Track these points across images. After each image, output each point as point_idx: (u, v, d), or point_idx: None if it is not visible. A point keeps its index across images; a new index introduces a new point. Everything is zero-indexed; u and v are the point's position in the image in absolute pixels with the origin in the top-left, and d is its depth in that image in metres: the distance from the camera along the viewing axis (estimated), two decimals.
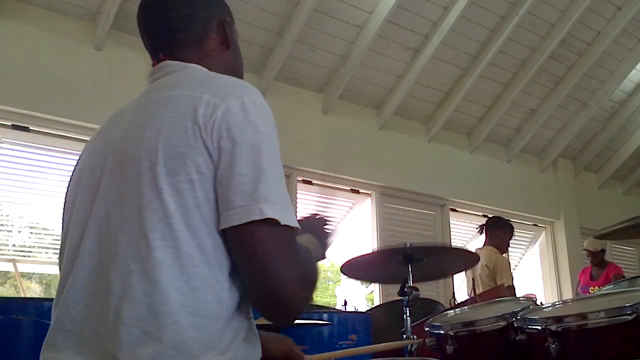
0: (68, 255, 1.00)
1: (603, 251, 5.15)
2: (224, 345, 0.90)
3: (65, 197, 1.12)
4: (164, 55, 1.13)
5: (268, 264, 0.89)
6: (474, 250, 4.56)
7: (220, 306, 0.91)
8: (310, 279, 0.97)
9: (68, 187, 1.12)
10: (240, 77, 1.15)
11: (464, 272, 4.41)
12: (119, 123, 1.05)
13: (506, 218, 4.51)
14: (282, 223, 0.90)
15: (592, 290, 4.87)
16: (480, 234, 4.33)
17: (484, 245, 4.27)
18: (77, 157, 1.15)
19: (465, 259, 2.63)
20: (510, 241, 4.34)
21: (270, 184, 0.90)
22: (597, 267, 5.18)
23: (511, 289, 3.91)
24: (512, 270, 4.14)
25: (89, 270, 0.95)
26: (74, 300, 0.95)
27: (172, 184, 0.90)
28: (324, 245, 1.18)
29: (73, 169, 1.14)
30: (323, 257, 1.18)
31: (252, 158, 0.91)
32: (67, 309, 0.95)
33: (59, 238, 1.07)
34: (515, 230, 6.23)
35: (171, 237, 0.89)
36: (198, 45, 1.12)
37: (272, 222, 0.89)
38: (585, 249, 5.24)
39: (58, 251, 1.08)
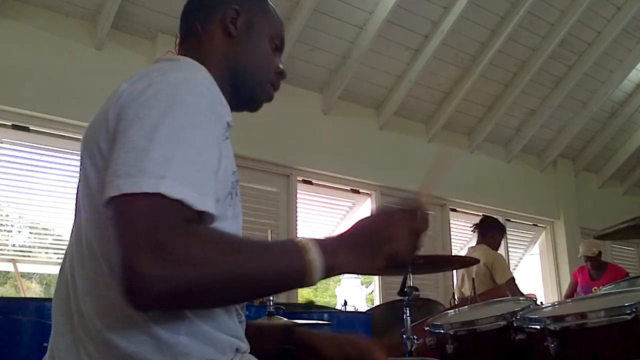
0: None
1: (600, 253, 5.12)
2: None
3: None
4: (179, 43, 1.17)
5: (118, 235, 0.74)
6: (467, 249, 4.63)
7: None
8: (186, 255, 0.73)
9: None
10: (248, 72, 1.12)
11: (455, 270, 4.47)
12: None
13: (506, 218, 4.55)
14: (145, 191, 0.75)
15: (595, 290, 4.84)
16: (474, 232, 4.37)
17: (477, 244, 4.31)
18: (78, 157, 1.16)
19: (465, 263, 2.65)
20: (502, 240, 4.41)
21: (139, 154, 0.78)
22: (597, 269, 5.15)
23: (512, 281, 3.97)
24: (508, 265, 4.21)
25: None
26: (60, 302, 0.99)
27: (87, 170, 0.93)
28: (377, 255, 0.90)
29: None
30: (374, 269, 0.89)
31: (129, 131, 0.82)
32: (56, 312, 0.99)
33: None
34: (515, 230, 6.27)
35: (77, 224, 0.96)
36: (199, 33, 1.12)
37: (138, 195, 0.75)
38: (582, 256, 5.20)
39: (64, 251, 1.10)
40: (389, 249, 0.90)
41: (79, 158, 1.01)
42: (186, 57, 1.05)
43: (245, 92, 1.13)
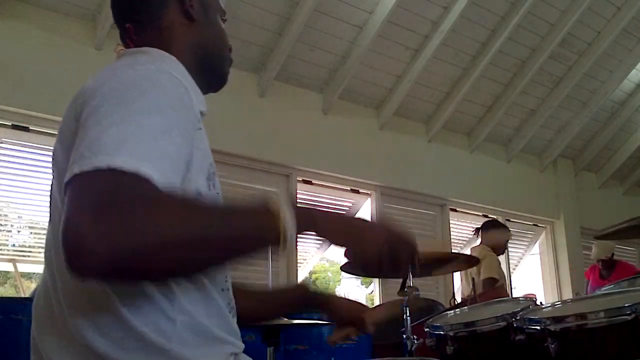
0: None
1: (612, 254, 5.11)
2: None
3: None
4: (128, 37, 1.12)
5: (65, 209, 0.70)
6: (469, 250, 4.61)
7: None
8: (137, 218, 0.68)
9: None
10: (215, 53, 1.12)
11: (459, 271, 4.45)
12: None
13: (506, 218, 4.54)
14: (97, 167, 0.71)
15: None
16: (476, 235, 4.36)
17: (479, 244, 4.29)
18: None
19: (466, 262, 2.64)
20: (508, 243, 4.36)
21: (93, 138, 0.75)
22: (607, 269, 5.14)
23: (489, 281, 3.89)
24: (500, 269, 4.13)
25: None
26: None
27: (60, 169, 0.89)
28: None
29: None
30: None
31: (87, 121, 0.79)
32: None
33: None
34: (515, 230, 6.25)
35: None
36: (156, 22, 1.08)
37: (90, 172, 0.71)
38: (597, 260, 5.15)
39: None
40: (359, 245, 0.90)
41: None
42: (153, 48, 1.02)
43: (217, 71, 1.14)
